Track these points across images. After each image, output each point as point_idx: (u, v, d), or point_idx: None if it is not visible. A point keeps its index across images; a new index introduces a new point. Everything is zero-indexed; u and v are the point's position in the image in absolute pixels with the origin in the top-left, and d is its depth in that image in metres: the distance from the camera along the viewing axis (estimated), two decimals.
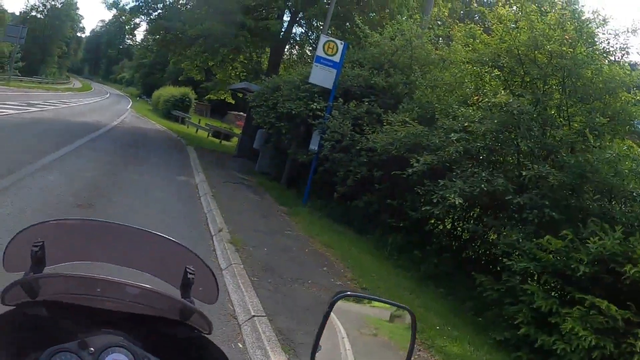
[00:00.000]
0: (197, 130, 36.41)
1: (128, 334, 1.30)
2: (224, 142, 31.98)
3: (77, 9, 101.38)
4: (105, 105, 49.30)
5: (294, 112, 14.10)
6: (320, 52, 13.88)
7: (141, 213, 9.35)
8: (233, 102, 38.42)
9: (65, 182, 10.50)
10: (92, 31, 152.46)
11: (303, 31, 29.45)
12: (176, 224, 9.16)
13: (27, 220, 6.98)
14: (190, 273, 1.47)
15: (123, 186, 11.50)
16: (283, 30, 26.87)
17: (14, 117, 20.84)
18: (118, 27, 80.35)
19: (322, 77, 13.72)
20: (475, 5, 25.25)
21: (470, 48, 11.13)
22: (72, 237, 1.61)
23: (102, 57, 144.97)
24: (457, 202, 8.12)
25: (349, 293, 1.50)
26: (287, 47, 29.13)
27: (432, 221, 10.28)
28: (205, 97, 43.63)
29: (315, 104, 13.52)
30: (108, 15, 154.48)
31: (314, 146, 13.39)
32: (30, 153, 12.50)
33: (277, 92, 15.55)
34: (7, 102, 26.51)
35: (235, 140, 30.94)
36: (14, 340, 1.30)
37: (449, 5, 23.61)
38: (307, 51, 29.64)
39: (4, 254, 1.47)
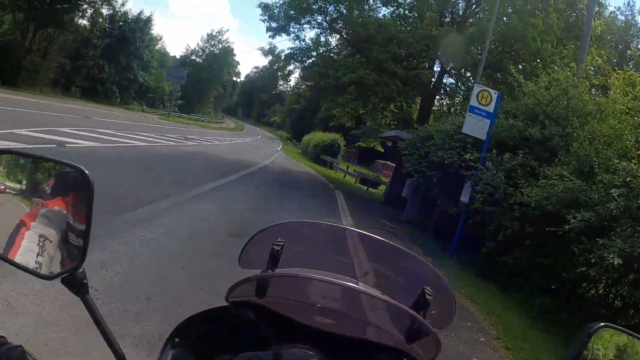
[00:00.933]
0: (344, 176, 37.27)
1: (322, 352, 1.32)
2: (370, 189, 32.47)
3: (234, 55, 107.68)
4: (257, 146, 52.15)
5: (446, 161, 14.22)
6: (474, 101, 13.94)
7: None
8: (382, 150, 39.03)
9: (217, 211, 11.59)
10: (247, 76, 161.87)
11: (453, 81, 29.61)
12: None
13: (181, 242, 7.86)
14: (428, 294, 1.41)
15: (273, 221, 12.11)
16: (433, 80, 27.19)
17: (172, 148, 22.79)
18: (271, 74, 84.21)
19: (476, 127, 13.75)
20: (633, 49, 24.27)
21: (630, 97, 10.79)
22: (310, 241, 1.73)
23: (255, 101, 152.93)
24: (616, 263, 7.86)
25: (604, 324, 1.39)
26: (437, 97, 29.36)
27: (584, 284, 9.92)
28: (355, 144, 44.61)
29: (468, 154, 13.52)
30: (262, 62, 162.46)
31: (464, 198, 13.37)
32: (187, 182, 13.89)
33: (429, 141, 15.80)
34: (167, 135, 29.34)
35: (382, 188, 31.34)
36: (213, 336, 1.39)
37: (602, 52, 22.89)
38: (456, 101, 29.76)
39: (242, 250, 1.59)
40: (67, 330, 4.23)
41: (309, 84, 32.86)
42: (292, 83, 39.51)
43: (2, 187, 1.32)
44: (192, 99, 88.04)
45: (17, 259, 1.24)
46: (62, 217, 1.26)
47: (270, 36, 30.90)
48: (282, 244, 1.50)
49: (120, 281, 5.56)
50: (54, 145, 13.64)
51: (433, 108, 29.43)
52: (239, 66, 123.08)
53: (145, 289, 5.57)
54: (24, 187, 1.35)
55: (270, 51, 31.76)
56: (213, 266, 7.22)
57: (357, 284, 1.42)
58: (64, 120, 21.95)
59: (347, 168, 39.95)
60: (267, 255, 1.49)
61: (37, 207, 1.29)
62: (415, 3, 27.80)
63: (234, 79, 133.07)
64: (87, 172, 1.23)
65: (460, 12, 27.55)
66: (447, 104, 30.90)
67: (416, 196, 18.04)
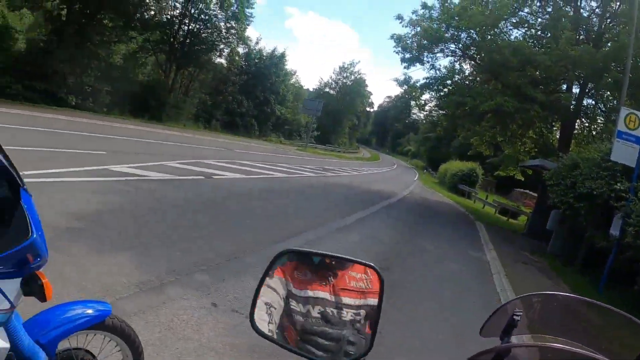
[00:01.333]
0: (484, 206, 36.68)
1: None
2: (510, 220, 31.70)
3: (366, 86, 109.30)
4: (393, 176, 52.83)
5: (595, 192, 13.60)
6: (621, 126, 13.33)
7: (434, 282, 10.07)
8: (522, 179, 37.97)
9: (363, 242, 12.05)
10: (380, 106, 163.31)
11: (592, 103, 28.34)
12: (468, 300, 9.65)
13: None
14: None
15: (416, 254, 12.44)
16: (573, 102, 26.19)
17: (312, 179, 23.60)
18: (404, 103, 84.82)
19: (625, 153, 13.08)
20: None
21: None
22: (541, 311, 1.78)
23: (389, 130, 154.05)
24: None
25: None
26: (577, 121, 28.19)
27: None
28: (495, 173, 43.81)
29: (619, 184, 12.89)
30: (394, 91, 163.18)
31: (614, 231, 12.68)
32: (331, 213, 14.52)
33: (576, 170, 15.22)
34: (306, 166, 30.56)
35: (522, 218, 30.58)
36: None
37: None
38: (598, 122, 28.50)
39: (486, 321, 1.69)
40: (227, 357, 4.60)
41: (445, 112, 32.60)
42: (426, 111, 39.23)
43: None
44: (327, 130, 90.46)
45: (260, 326, 1.51)
46: (283, 286, 1.47)
47: (405, 67, 31.04)
48: (520, 314, 1.58)
49: None
50: (203, 177, 14.69)
51: (574, 132, 28.29)
52: (371, 96, 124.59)
53: None
54: None
55: (405, 81, 31.76)
56: None
57: (582, 350, 1.42)
58: (207, 153, 23.52)
59: (486, 198, 39.30)
60: (501, 324, 1.58)
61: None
62: (547, 23, 26.96)
63: (368, 109, 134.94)
64: (376, 267, 1.54)
65: (595, 28, 26.39)
66: (586, 127, 29.54)
67: (562, 228, 17.39)
